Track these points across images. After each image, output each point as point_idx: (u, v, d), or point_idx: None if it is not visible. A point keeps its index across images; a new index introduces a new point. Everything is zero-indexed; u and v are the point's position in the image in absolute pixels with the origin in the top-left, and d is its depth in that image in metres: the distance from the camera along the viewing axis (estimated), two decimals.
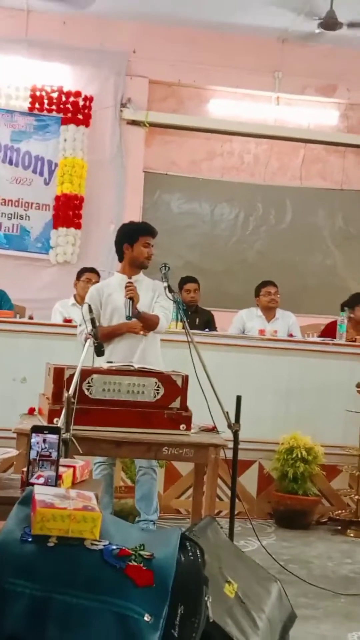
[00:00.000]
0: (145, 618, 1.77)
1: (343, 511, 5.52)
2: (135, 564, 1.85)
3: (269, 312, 6.51)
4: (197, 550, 2.01)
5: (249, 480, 5.56)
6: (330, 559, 4.72)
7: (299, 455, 5.31)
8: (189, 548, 2.00)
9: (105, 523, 1.94)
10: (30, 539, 1.88)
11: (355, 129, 8.26)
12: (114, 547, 1.88)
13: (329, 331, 6.38)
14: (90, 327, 3.90)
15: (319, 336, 6.36)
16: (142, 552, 1.89)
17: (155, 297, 4.59)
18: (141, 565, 1.85)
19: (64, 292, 6.57)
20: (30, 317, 5.85)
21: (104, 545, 1.89)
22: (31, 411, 4.21)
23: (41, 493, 2.01)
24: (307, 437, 5.41)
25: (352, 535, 5.28)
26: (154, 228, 4.69)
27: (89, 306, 4.08)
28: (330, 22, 6.96)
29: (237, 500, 3.93)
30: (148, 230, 4.63)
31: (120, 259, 4.68)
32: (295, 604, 3.41)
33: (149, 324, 4.49)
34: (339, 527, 5.38)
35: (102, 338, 3.85)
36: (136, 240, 4.57)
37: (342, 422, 5.58)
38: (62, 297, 6.41)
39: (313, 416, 5.64)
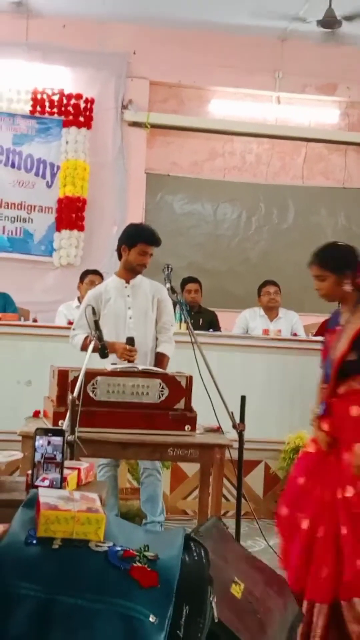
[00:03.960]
0: (150, 619, 1.77)
1: None
2: (140, 565, 1.86)
3: (270, 311, 6.52)
4: (202, 551, 2.01)
5: (255, 480, 5.56)
6: None
7: None
8: (194, 548, 2.00)
9: (110, 525, 1.94)
10: (34, 542, 1.88)
11: (356, 127, 8.26)
12: (119, 548, 1.88)
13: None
14: (94, 329, 3.91)
15: (315, 334, 6.36)
16: (146, 553, 1.89)
17: (154, 303, 4.55)
18: (146, 566, 1.85)
19: (67, 295, 6.58)
20: (35, 320, 5.86)
21: (109, 547, 1.89)
22: (36, 414, 4.21)
23: (45, 495, 2.01)
24: None
25: None
26: (158, 238, 4.48)
27: (92, 308, 4.09)
28: (329, 21, 6.97)
29: (243, 500, 3.93)
30: (149, 239, 4.45)
31: (119, 258, 4.64)
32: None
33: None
34: None
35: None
36: (134, 245, 4.44)
37: None
38: (66, 300, 6.42)
39: None
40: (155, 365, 4.35)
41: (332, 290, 3.43)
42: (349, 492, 3.18)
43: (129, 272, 4.54)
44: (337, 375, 3.37)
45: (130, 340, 4.33)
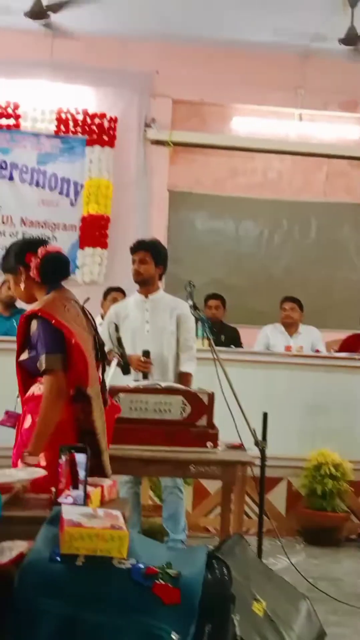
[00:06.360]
0: (173, 636, 1.78)
1: None
2: (163, 582, 1.87)
3: (289, 327, 6.54)
4: (224, 568, 2.02)
5: (277, 498, 5.55)
6: None
7: (327, 472, 5.29)
8: (216, 566, 2.01)
9: (132, 542, 1.96)
10: (58, 559, 1.90)
11: None
12: (141, 565, 1.90)
13: (348, 345, 6.37)
14: (117, 347, 3.95)
15: (337, 350, 6.35)
16: (169, 571, 1.91)
17: (174, 318, 4.59)
18: (168, 583, 1.87)
19: (91, 312, 6.60)
20: None
21: (132, 564, 1.91)
22: None
23: (69, 512, 2.04)
24: (335, 453, 5.39)
25: None
26: (136, 243, 4.66)
27: (115, 325, 4.14)
28: (351, 38, 6.99)
29: (265, 517, 3.93)
30: (130, 249, 4.66)
31: None
32: (325, 622, 3.39)
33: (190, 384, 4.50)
34: None
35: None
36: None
37: None
38: None
39: (340, 432, 5.62)
40: (180, 384, 4.37)
41: (17, 292, 3.14)
42: None
43: (141, 285, 4.63)
44: (21, 381, 3.05)
45: (146, 353, 4.40)
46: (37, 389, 2.98)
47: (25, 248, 3.12)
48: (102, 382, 3.12)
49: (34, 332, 2.96)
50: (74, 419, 2.94)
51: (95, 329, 3.21)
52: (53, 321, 2.92)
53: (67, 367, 2.90)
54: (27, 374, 3.03)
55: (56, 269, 3.12)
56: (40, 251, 3.07)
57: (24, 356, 3.01)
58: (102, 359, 3.16)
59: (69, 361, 2.90)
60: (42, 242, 3.17)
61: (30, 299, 3.14)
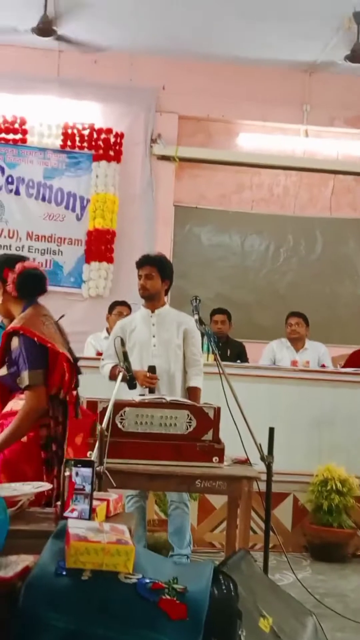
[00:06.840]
0: None
1: None
2: (169, 597, 1.86)
3: (295, 342, 6.53)
4: (231, 584, 2.01)
5: (283, 513, 5.52)
6: None
7: (334, 487, 5.26)
8: (223, 581, 2.00)
9: (139, 556, 1.95)
10: (64, 573, 1.89)
11: None
12: (148, 580, 1.89)
13: (354, 360, 6.36)
14: (122, 361, 3.95)
15: (343, 366, 6.34)
16: (175, 586, 1.90)
17: (181, 332, 4.59)
18: (174, 598, 1.86)
19: (96, 326, 6.63)
20: None
21: (138, 579, 1.90)
22: None
23: (75, 527, 2.03)
24: (341, 468, 5.37)
25: None
26: (142, 258, 4.69)
27: (121, 339, 4.13)
28: (356, 55, 7.02)
29: (271, 533, 3.91)
30: (137, 263, 4.70)
31: None
32: (332, 639, 3.37)
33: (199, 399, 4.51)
34: None
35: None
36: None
37: None
38: (94, 331, 6.46)
39: (347, 447, 5.60)
40: (190, 399, 4.37)
41: None
42: None
43: (147, 300, 4.64)
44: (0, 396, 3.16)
45: (152, 368, 4.41)
46: (15, 404, 3.05)
47: (3, 264, 3.23)
48: (77, 396, 3.20)
49: (15, 349, 3.05)
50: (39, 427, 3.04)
51: (69, 344, 3.29)
52: (36, 338, 3.03)
53: (48, 382, 3.03)
54: (5, 390, 3.13)
55: (32, 284, 3.23)
56: (18, 267, 3.19)
57: (3, 372, 3.10)
58: (76, 373, 3.24)
59: (54, 369, 3.03)
60: (21, 258, 3.30)
61: (7, 314, 3.25)
